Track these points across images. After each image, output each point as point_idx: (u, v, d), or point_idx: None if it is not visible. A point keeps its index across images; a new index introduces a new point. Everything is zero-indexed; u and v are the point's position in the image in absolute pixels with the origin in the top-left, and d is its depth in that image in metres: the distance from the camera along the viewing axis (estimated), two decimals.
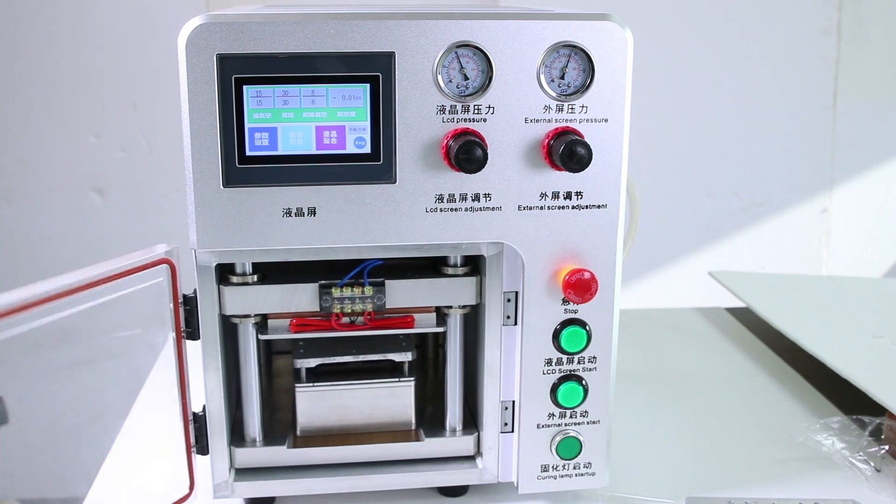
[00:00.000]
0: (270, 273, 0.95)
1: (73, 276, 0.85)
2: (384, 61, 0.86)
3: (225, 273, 0.94)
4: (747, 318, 1.60)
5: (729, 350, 1.50)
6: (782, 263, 2.67)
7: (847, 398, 1.25)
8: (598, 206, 0.92)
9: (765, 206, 2.69)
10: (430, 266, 0.98)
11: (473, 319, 1.00)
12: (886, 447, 1.11)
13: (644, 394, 1.31)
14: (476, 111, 0.88)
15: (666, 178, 2.63)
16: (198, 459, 0.97)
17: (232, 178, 0.87)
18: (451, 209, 0.90)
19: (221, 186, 0.87)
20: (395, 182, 0.88)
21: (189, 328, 0.94)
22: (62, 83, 2.44)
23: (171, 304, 0.92)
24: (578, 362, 0.95)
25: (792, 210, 2.70)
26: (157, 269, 0.90)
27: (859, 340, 1.36)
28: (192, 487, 0.97)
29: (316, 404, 1.01)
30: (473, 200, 0.90)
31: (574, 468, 0.98)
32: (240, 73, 0.84)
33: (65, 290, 0.83)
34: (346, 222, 0.89)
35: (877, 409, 1.15)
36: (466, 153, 0.85)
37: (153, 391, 1.14)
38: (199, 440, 0.97)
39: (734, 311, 1.67)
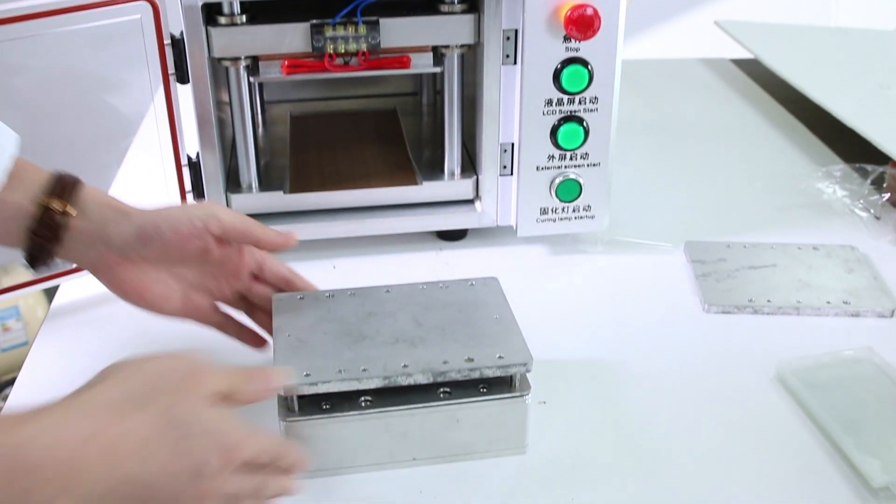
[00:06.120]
0: (259, 13, 0.91)
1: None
2: None
3: (212, 13, 0.90)
4: (752, 70, 1.57)
5: (733, 101, 1.48)
6: (790, 14, 2.59)
7: (850, 149, 1.23)
8: None
9: None
10: (427, 3, 0.93)
11: (472, 60, 0.96)
12: (887, 195, 1.11)
13: (646, 142, 1.29)
14: None
15: None
16: None
17: None
18: None
19: None
20: None
21: (178, 71, 0.91)
22: None
23: (157, 46, 0.89)
24: (579, 103, 0.93)
25: None
26: (138, 5, 0.86)
27: (866, 91, 1.33)
28: None
29: None
30: None
31: (573, 211, 0.98)
32: None
33: (42, 11, 0.82)
34: None
35: (880, 159, 1.13)
36: None
37: (147, 137, 1.12)
38: (195, 186, 0.96)
39: (739, 63, 1.63)
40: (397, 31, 0.91)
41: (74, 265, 0.93)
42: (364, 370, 0.68)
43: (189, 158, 0.95)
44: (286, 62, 0.92)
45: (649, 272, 0.98)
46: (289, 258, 1.00)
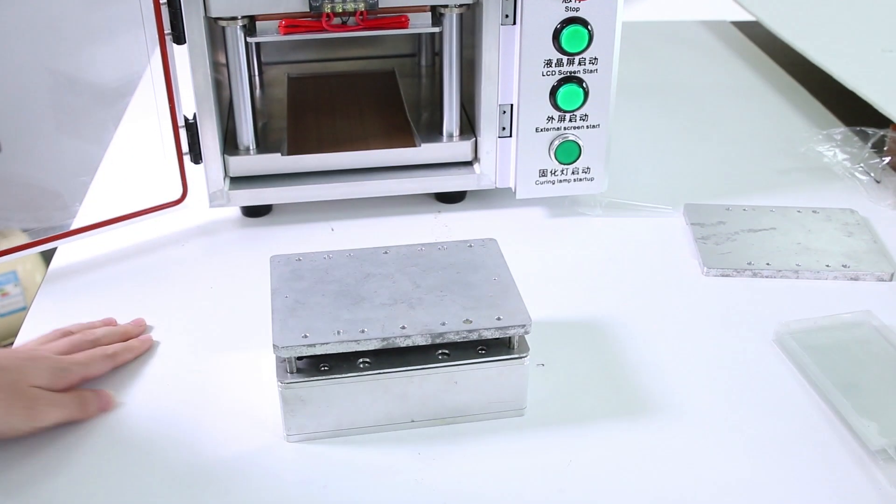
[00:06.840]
0: None
1: None
2: None
3: None
4: (753, 32, 1.56)
5: (733, 63, 1.47)
6: None
7: (851, 112, 1.23)
8: None
9: None
10: None
11: (471, 20, 0.95)
12: (888, 159, 1.10)
13: (645, 105, 1.29)
14: None
15: None
16: (190, 170, 0.96)
17: None
18: None
19: None
20: None
21: (174, 31, 0.90)
22: None
23: (153, 5, 0.88)
24: (579, 64, 0.92)
25: None
26: None
27: (867, 53, 1.32)
28: (184, 193, 0.96)
29: None
30: None
31: (573, 173, 0.97)
32: None
33: None
34: None
35: (881, 122, 1.13)
36: None
37: (144, 98, 1.11)
38: (192, 148, 0.95)
39: (740, 25, 1.62)
40: None
41: (73, 227, 0.93)
42: (362, 332, 0.67)
43: (186, 119, 0.94)
44: (283, 22, 0.91)
45: (648, 235, 0.98)
46: (288, 221, 1.00)
